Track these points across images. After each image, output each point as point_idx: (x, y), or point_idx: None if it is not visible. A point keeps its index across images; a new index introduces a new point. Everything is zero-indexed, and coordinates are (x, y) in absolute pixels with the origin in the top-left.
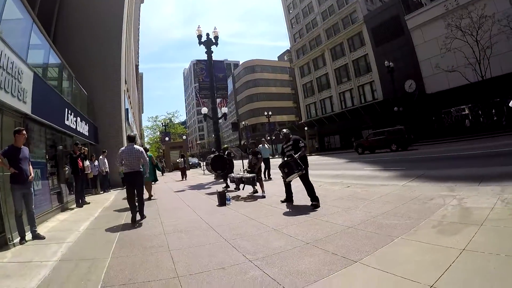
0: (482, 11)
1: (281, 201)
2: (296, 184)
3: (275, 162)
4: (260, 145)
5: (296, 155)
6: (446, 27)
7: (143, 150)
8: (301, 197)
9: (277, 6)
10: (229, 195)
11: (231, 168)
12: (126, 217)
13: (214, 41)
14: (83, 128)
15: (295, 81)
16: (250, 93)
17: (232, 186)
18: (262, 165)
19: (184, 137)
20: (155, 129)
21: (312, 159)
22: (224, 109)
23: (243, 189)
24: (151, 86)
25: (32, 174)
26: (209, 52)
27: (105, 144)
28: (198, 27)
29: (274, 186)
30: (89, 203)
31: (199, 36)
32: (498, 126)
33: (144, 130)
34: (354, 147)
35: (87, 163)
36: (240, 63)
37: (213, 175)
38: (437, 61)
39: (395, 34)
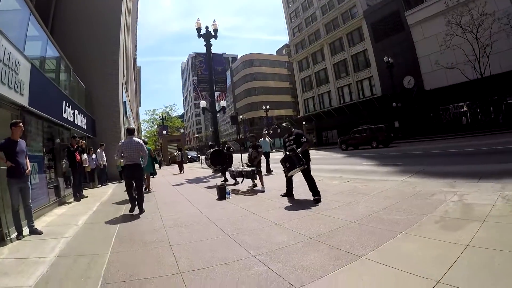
0: (482, 8)
1: (281, 195)
2: (297, 179)
3: (274, 156)
4: (261, 139)
5: (298, 150)
6: (447, 24)
7: (142, 143)
8: (301, 191)
9: (276, 0)
10: (229, 188)
11: (230, 163)
12: (125, 211)
13: (213, 34)
14: (81, 121)
15: (293, 75)
16: (248, 87)
17: (230, 180)
18: (263, 158)
19: (182, 130)
20: (152, 123)
21: (310, 154)
22: (223, 103)
23: (241, 182)
24: (148, 79)
25: (29, 168)
26: (208, 45)
27: (102, 137)
28: (198, 20)
29: (274, 180)
30: (86, 196)
31: (199, 29)
32: (495, 124)
33: (141, 123)
34: (338, 143)
35: (84, 156)
36: (239, 56)
37: (212, 169)
38: (436, 58)
39: (394, 30)
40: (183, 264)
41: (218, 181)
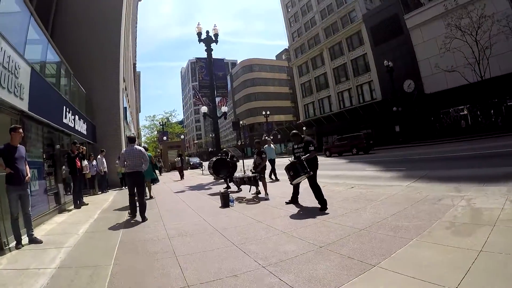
0: (481, 11)
1: (286, 202)
2: (302, 186)
3: (277, 162)
4: (266, 145)
5: (303, 158)
6: (446, 27)
7: (144, 151)
8: (306, 198)
9: (275, 5)
10: (232, 196)
11: (233, 172)
12: (126, 219)
13: (214, 38)
14: (81, 127)
15: (293, 80)
16: (248, 92)
17: (233, 187)
18: (268, 165)
19: (182, 136)
20: (152, 129)
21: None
22: (224, 108)
23: (249, 191)
24: (148, 85)
25: (29, 175)
26: (209, 50)
27: (103, 143)
28: (198, 24)
29: (277, 187)
30: (87, 204)
31: (199, 34)
32: (495, 127)
33: (141, 129)
34: (323, 150)
35: (85, 162)
36: (238, 62)
37: (213, 176)
38: (436, 61)
39: (394, 34)
40: (190, 276)
41: (220, 188)
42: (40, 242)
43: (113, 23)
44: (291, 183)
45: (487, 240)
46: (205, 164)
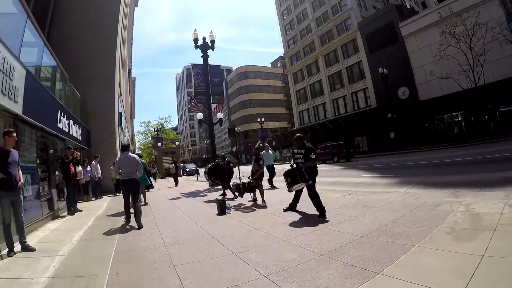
0: (476, 18)
1: (283, 209)
2: (302, 194)
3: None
4: (263, 151)
5: (302, 166)
6: (441, 34)
7: (138, 158)
8: (303, 205)
9: (271, 12)
10: (229, 203)
11: (229, 178)
12: (122, 227)
13: (210, 45)
14: (76, 132)
15: (288, 87)
16: (243, 99)
17: (229, 194)
18: (267, 172)
19: (177, 142)
20: (147, 134)
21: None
22: (220, 115)
23: (240, 196)
24: (143, 91)
25: (22, 180)
26: (205, 56)
27: (97, 149)
28: (195, 31)
29: (274, 194)
30: (81, 210)
31: (196, 40)
32: (488, 133)
33: (135, 135)
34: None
35: (79, 168)
36: (233, 68)
37: (208, 182)
38: (431, 68)
39: (389, 41)
40: (190, 286)
41: (216, 195)
42: (33, 249)
43: (110, 28)
44: (288, 190)
45: (488, 245)
46: (202, 170)
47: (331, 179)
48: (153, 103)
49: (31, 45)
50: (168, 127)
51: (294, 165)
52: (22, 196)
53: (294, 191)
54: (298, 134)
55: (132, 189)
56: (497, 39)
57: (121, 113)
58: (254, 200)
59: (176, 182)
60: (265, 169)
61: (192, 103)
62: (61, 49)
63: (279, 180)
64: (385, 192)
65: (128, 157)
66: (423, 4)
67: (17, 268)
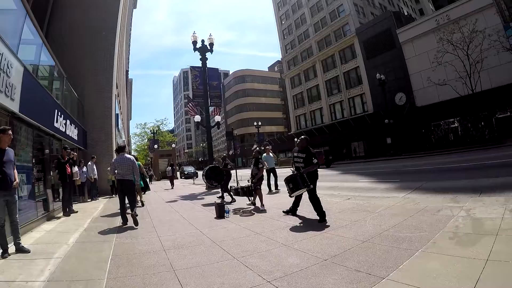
0: (473, 26)
1: (283, 211)
2: (303, 199)
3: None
4: (264, 154)
5: (303, 170)
6: (438, 41)
7: (134, 159)
8: (303, 209)
9: (269, 17)
10: (228, 207)
11: (227, 180)
12: (118, 229)
13: (209, 48)
14: (73, 132)
15: (285, 91)
16: (240, 103)
17: (227, 197)
18: (265, 175)
19: (173, 145)
20: (143, 136)
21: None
22: (217, 118)
23: (237, 200)
24: (139, 93)
25: (17, 180)
26: (203, 59)
27: (93, 150)
28: (194, 33)
29: (273, 198)
30: (76, 211)
31: (194, 42)
32: (484, 139)
33: (132, 137)
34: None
35: (75, 169)
36: (230, 72)
37: (205, 185)
38: (428, 75)
39: (386, 47)
40: None
41: (213, 198)
42: (27, 251)
43: (109, 28)
44: (290, 196)
45: (492, 249)
46: (200, 173)
47: (329, 184)
48: (150, 105)
49: (30, 42)
50: (164, 130)
51: (294, 169)
52: (17, 196)
53: (296, 196)
54: (304, 136)
55: (128, 189)
56: (494, 47)
57: (118, 114)
58: (253, 204)
59: (172, 185)
60: (264, 173)
61: (189, 106)
62: (59, 48)
63: (280, 184)
64: (384, 197)
65: (124, 158)
66: (420, 11)
67: (11, 271)
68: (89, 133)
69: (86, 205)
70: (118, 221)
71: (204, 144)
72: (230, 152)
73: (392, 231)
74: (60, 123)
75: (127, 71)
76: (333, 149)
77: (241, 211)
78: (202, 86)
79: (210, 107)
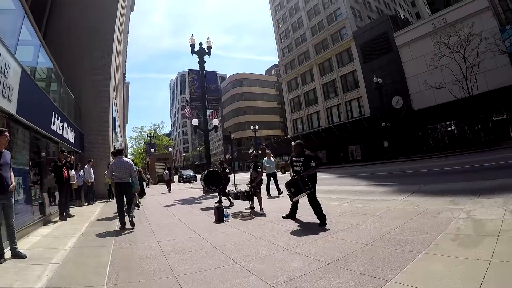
0: (470, 29)
1: (282, 217)
2: (300, 201)
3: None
4: (265, 158)
5: (304, 174)
6: (435, 45)
7: (132, 163)
8: (302, 213)
9: (266, 20)
10: (227, 211)
11: (226, 184)
12: (117, 234)
13: (207, 51)
14: (70, 135)
15: (282, 95)
16: (237, 106)
17: (225, 201)
18: (265, 179)
19: (170, 149)
20: (140, 140)
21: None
22: (215, 121)
23: (236, 204)
24: (136, 96)
25: (14, 183)
26: (201, 62)
27: (90, 153)
28: (192, 36)
29: (272, 202)
30: (73, 216)
31: (192, 45)
32: (481, 142)
33: (128, 140)
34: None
35: (72, 172)
36: (227, 76)
37: (202, 189)
38: (424, 78)
39: (383, 51)
40: None
41: (211, 202)
42: (24, 256)
43: (107, 31)
44: (291, 200)
45: (494, 250)
46: (199, 177)
47: (327, 187)
48: (146, 109)
49: (28, 43)
50: (161, 133)
51: (294, 174)
52: (13, 200)
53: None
54: (298, 140)
55: (126, 192)
56: (490, 50)
57: (115, 117)
58: (252, 208)
59: (170, 188)
60: (264, 177)
61: (187, 110)
62: (56, 50)
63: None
64: (384, 200)
65: (122, 161)
66: (417, 14)
67: (8, 276)
68: (86, 136)
69: (83, 209)
70: (115, 225)
71: (200, 148)
72: (227, 156)
73: (394, 234)
74: (57, 125)
75: (124, 74)
76: (330, 152)
77: (240, 215)
78: (200, 90)
79: (207, 111)
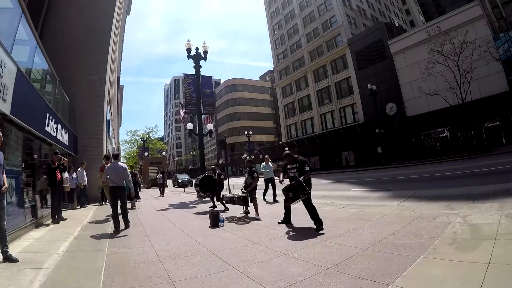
0: (463, 37)
1: (278, 222)
2: (294, 205)
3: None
4: (263, 163)
5: (301, 178)
6: (429, 52)
7: (126, 168)
8: (298, 218)
9: (261, 27)
10: (222, 216)
11: (220, 190)
12: (111, 238)
13: (203, 55)
14: (63, 137)
15: (276, 101)
16: (231, 111)
17: (219, 206)
18: (263, 184)
19: (164, 153)
20: (133, 144)
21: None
22: (210, 126)
23: (230, 209)
24: (130, 100)
25: (6, 185)
26: (197, 67)
27: (84, 156)
28: (188, 41)
29: (267, 207)
30: (66, 219)
31: (188, 50)
32: (473, 148)
33: (121, 143)
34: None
35: (65, 175)
36: (222, 81)
37: (195, 193)
38: (418, 85)
39: (378, 58)
40: None
41: (205, 206)
42: (16, 260)
43: (103, 31)
44: (289, 205)
45: (492, 253)
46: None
47: (322, 193)
48: (140, 113)
49: (24, 43)
50: (154, 137)
51: (284, 179)
52: (5, 202)
53: (286, 205)
54: (286, 151)
55: (120, 195)
56: (484, 57)
57: (109, 120)
58: (247, 212)
59: (163, 192)
60: (262, 183)
61: (181, 114)
62: (53, 47)
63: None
64: (379, 206)
65: (117, 165)
66: (411, 22)
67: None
68: (80, 139)
69: (76, 212)
70: (109, 228)
71: (194, 152)
72: (220, 161)
73: (391, 238)
74: (51, 127)
75: (118, 78)
76: (324, 158)
77: (235, 219)
78: (195, 94)
79: (202, 115)
